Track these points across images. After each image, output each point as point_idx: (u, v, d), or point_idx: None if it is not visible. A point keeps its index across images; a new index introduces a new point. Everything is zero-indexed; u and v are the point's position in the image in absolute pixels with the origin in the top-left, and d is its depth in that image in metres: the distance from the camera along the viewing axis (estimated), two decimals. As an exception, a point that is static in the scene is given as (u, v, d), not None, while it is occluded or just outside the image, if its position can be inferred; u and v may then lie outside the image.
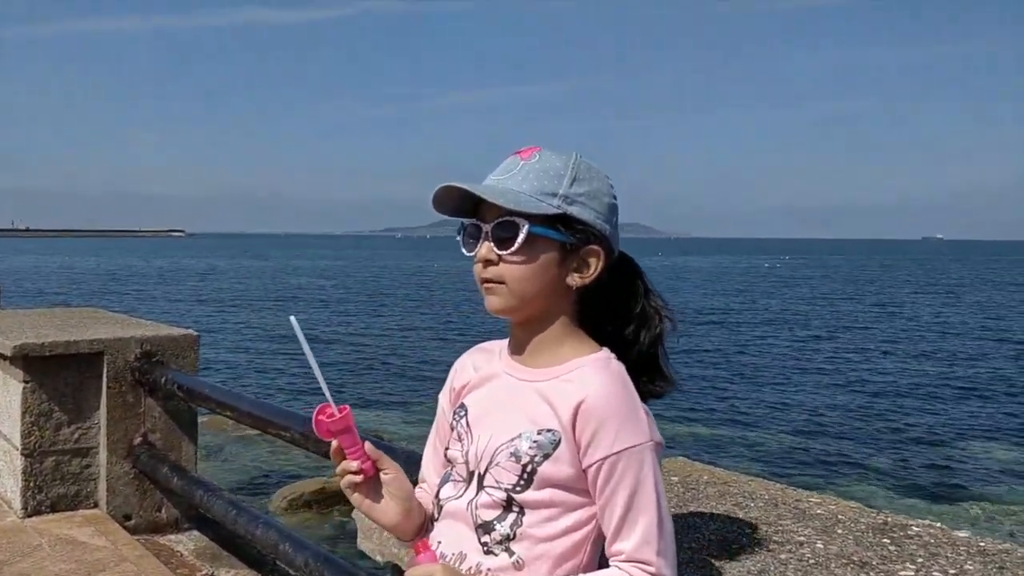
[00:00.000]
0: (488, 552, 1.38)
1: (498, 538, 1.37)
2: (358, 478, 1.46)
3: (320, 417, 1.42)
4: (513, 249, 1.37)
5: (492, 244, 1.39)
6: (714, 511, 2.03)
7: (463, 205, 1.43)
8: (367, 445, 1.47)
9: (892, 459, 12.12)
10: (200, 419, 4.86)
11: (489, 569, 1.37)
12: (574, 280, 1.42)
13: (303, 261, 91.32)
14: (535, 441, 1.36)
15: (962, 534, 1.87)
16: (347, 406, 1.43)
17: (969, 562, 1.70)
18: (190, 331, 4.65)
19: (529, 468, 1.36)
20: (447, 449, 1.51)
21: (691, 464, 2.52)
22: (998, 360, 22.29)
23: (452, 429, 1.50)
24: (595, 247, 1.41)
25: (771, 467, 11.12)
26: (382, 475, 1.49)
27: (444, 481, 1.51)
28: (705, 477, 2.35)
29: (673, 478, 2.32)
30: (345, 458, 1.46)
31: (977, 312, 36.90)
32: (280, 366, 18.65)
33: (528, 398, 1.40)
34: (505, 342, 1.53)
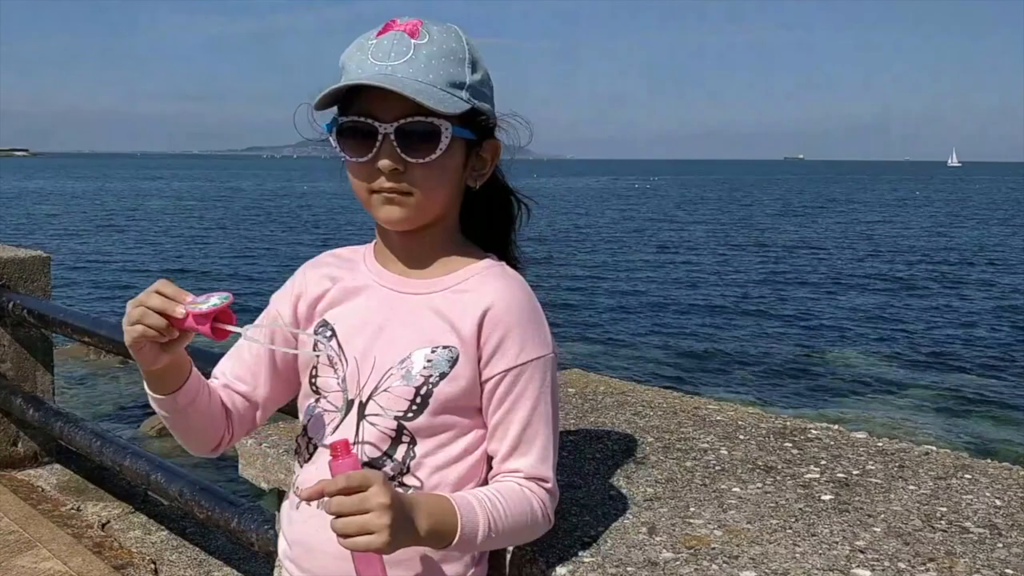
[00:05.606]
0: None
1: (389, 474, 1.21)
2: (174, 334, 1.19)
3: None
4: (434, 156, 1.17)
5: (399, 149, 1.17)
6: (614, 421, 1.99)
7: (327, 99, 1.20)
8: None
9: (777, 368, 12.60)
10: (58, 347, 4.54)
11: None
12: (473, 180, 1.27)
13: (160, 183, 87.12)
14: (429, 360, 1.22)
15: (859, 435, 1.88)
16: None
17: (871, 462, 1.70)
18: (39, 253, 4.29)
19: (424, 391, 1.22)
20: (315, 377, 1.30)
21: (586, 375, 2.46)
22: (867, 271, 23.46)
23: (316, 351, 1.29)
24: (494, 141, 1.27)
25: (661, 379, 11.36)
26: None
27: (310, 416, 1.31)
28: (602, 388, 2.30)
29: (570, 390, 2.26)
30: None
31: (842, 226, 38.81)
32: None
33: (418, 314, 1.25)
34: (365, 248, 1.35)
